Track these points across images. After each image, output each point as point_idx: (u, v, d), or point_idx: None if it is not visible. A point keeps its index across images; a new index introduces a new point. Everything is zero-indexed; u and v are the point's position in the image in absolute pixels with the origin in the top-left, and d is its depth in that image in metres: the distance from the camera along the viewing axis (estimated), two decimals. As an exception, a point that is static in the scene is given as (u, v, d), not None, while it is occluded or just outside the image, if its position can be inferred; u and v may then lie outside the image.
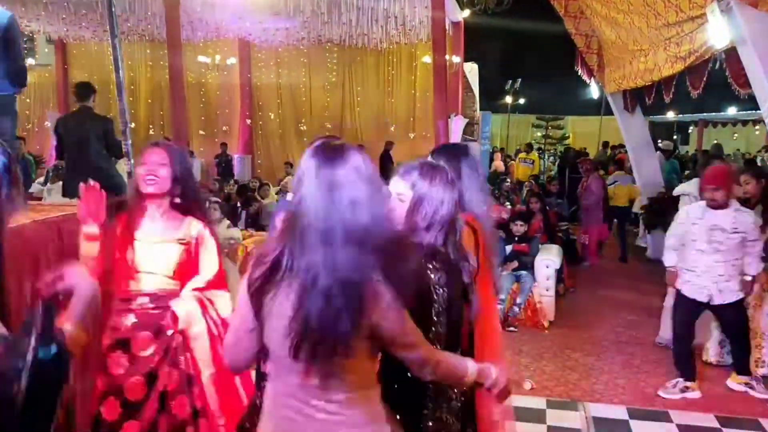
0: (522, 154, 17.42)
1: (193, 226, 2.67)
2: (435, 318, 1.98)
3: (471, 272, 2.13)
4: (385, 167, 13.85)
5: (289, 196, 1.75)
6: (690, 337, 4.76)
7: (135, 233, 2.60)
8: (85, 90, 5.67)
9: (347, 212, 1.53)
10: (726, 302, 4.51)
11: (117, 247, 2.57)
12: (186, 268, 2.65)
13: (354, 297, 1.51)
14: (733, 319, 4.63)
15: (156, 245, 2.59)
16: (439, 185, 2.03)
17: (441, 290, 2.00)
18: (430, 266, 1.99)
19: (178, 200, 2.65)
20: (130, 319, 2.58)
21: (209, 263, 2.70)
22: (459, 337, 2.10)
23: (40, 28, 12.36)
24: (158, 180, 2.56)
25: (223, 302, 2.71)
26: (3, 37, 3.98)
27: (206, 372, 2.62)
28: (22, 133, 14.65)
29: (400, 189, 2.05)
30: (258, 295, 1.62)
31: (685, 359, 4.71)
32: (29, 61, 20.90)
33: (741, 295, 4.54)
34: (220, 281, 2.72)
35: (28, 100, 15.54)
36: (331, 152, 1.59)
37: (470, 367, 1.84)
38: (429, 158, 2.53)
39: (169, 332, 2.61)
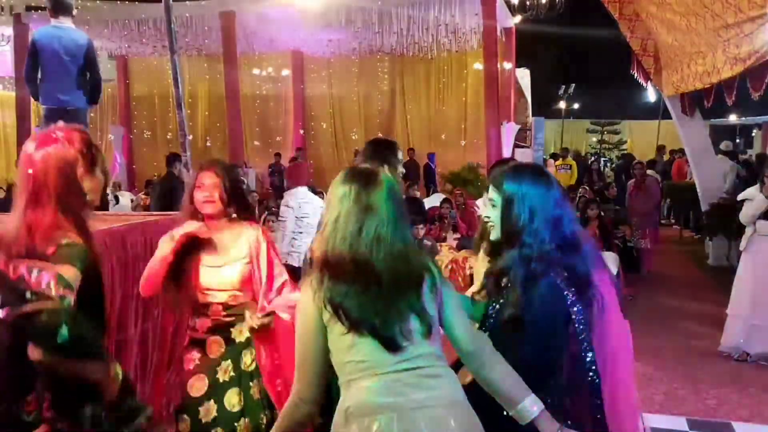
0: (558, 161, 15.91)
1: (250, 237, 2.83)
2: (579, 339, 1.84)
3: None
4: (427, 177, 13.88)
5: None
6: None
7: (202, 257, 2.77)
8: None
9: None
10: None
11: (187, 266, 2.76)
12: (251, 278, 2.83)
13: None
14: None
15: (221, 269, 2.77)
16: (530, 183, 1.91)
17: (576, 308, 1.84)
18: (560, 281, 1.84)
19: (234, 215, 2.83)
20: (207, 324, 2.80)
21: (263, 273, 2.82)
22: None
23: (103, 45, 12.84)
24: (215, 202, 2.74)
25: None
26: (85, 57, 4.26)
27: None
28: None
29: (490, 194, 2.00)
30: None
31: None
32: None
33: None
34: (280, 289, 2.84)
35: (92, 115, 16.11)
36: (365, 177, 1.74)
37: (528, 402, 1.73)
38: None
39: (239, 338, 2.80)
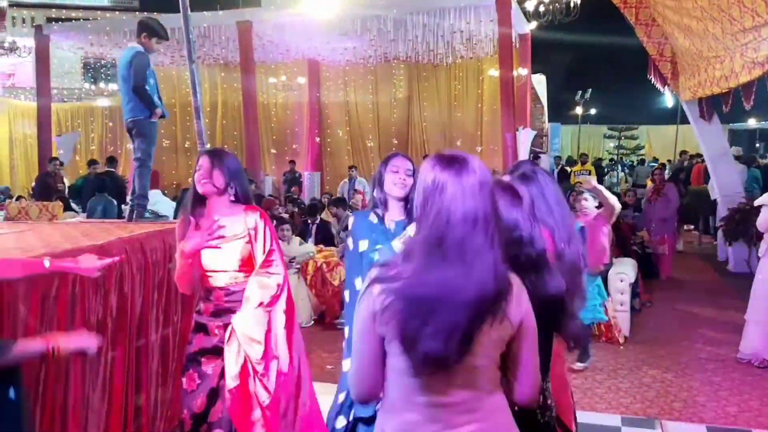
0: (577, 166, 15.44)
1: (250, 218, 2.95)
2: None
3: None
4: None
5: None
6: None
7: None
8: None
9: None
10: None
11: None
12: (250, 259, 2.95)
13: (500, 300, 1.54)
14: None
15: (221, 250, 2.90)
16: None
17: None
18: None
19: (233, 197, 2.95)
20: (210, 308, 2.95)
21: (258, 252, 2.94)
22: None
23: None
24: (211, 180, 2.89)
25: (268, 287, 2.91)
26: (130, 70, 4.46)
27: (231, 384, 2.81)
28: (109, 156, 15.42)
29: None
30: (389, 320, 1.57)
31: None
32: (112, 87, 21.95)
33: None
34: (268, 263, 2.94)
35: (110, 124, 16.35)
36: (457, 162, 1.59)
37: None
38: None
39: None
